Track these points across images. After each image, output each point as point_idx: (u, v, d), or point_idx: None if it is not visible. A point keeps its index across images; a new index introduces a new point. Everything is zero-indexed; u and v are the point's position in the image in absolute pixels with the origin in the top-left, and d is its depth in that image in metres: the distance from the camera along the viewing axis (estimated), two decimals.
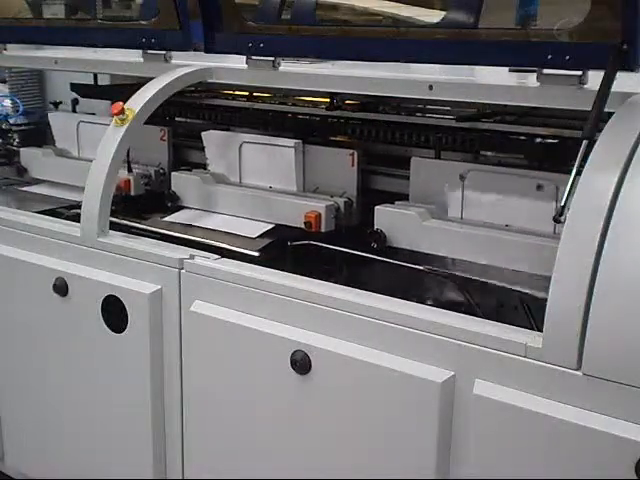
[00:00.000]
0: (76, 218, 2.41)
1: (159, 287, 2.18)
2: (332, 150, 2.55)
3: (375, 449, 1.84)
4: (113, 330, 2.27)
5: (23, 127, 3.70)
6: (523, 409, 1.59)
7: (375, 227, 2.30)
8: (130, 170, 2.79)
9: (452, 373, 1.71)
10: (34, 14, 3.58)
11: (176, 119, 3.16)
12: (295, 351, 1.89)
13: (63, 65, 3.00)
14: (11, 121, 3.69)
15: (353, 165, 2.46)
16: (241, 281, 2.03)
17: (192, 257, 2.15)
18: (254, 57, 2.46)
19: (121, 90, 2.93)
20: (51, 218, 2.58)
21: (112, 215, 2.37)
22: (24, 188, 3.19)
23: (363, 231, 2.36)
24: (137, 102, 2.39)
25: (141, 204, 2.84)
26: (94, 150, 2.76)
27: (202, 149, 2.79)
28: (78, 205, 2.43)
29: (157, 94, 2.41)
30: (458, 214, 2.27)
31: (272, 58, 2.42)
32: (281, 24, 2.77)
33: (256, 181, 2.65)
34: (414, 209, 2.28)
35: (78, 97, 3.42)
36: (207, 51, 2.54)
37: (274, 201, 2.53)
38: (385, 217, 2.30)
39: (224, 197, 2.63)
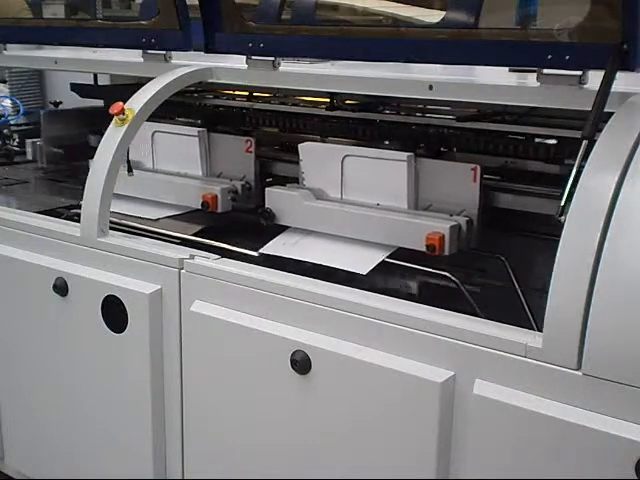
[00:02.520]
0: (76, 218, 2.41)
1: (159, 287, 2.18)
2: (451, 164, 2.28)
3: (375, 449, 1.84)
4: (113, 330, 2.27)
5: (23, 127, 3.71)
6: (523, 409, 1.59)
7: None
8: (130, 170, 2.77)
9: (452, 373, 1.71)
10: (34, 14, 3.59)
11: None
12: (295, 351, 1.89)
13: (63, 65, 3.00)
14: (11, 121, 3.69)
15: (475, 181, 2.19)
16: (241, 281, 2.03)
17: (192, 257, 2.15)
18: (254, 57, 2.45)
19: (121, 90, 2.93)
20: (51, 218, 2.58)
21: (202, 236, 2.30)
22: None
23: (490, 258, 2.21)
24: (137, 102, 2.39)
25: (231, 223, 2.61)
26: (170, 162, 2.74)
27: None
28: (78, 205, 2.42)
29: (157, 94, 2.41)
30: None
31: (272, 58, 2.42)
32: (281, 24, 2.78)
33: (360, 197, 2.35)
34: None
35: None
36: (207, 51, 2.54)
37: (387, 220, 2.23)
38: None
39: (328, 215, 2.35)
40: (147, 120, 2.45)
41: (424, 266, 2.19)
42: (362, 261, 2.21)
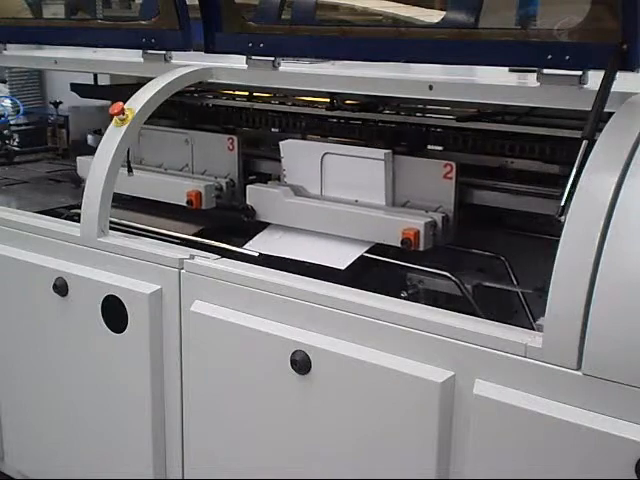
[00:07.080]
0: (76, 218, 2.41)
1: (159, 287, 2.18)
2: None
3: (375, 449, 1.84)
4: (113, 330, 2.27)
5: (23, 127, 3.71)
6: (523, 409, 1.59)
7: None
8: (130, 170, 2.73)
9: (452, 373, 1.71)
10: (34, 14, 3.59)
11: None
12: (295, 351, 1.89)
13: (63, 65, 3.00)
14: (11, 121, 3.69)
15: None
16: (241, 281, 2.03)
17: (192, 257, 2.15)
18: (254, 57, 2.46)
19: (121, 90, 2.93)
20: (51, 218, 2.58)
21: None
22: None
23: None
24: (137, 102, 2.39)
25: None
26: (343, 187, 2.41)
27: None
28: (78, 205, 2.43)
29: (157, 94, 2.41)
30: None
31: (272, 58, 2.42)
32: (281, 24, 2.78)
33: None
34: None
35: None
36: (207, 51, 2.54)
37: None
38: None
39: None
40: (307, 139, 2.46)
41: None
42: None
